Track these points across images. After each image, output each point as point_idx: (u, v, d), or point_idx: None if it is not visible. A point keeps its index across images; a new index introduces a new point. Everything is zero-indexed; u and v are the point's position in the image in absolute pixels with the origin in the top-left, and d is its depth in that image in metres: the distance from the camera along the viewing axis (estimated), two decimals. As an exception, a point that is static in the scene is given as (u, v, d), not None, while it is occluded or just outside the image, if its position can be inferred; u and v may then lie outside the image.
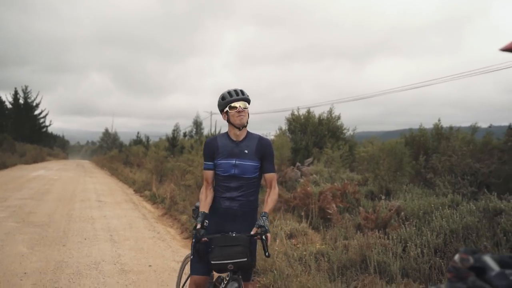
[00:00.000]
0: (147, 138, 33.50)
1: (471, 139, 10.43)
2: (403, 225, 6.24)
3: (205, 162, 3.18)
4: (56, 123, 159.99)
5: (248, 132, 3.19)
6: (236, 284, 2.86)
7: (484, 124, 12.07)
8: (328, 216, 7.72)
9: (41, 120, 55.51)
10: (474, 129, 11.48)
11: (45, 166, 31.84)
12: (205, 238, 2.83)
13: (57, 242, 7.31)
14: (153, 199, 13.19)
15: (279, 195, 9.56)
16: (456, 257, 1.21)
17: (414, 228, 5.98)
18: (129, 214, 10.84)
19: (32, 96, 53.24)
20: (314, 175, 12.11)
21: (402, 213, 6.73)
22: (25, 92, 52.54)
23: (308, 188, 9.01)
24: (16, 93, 51.92)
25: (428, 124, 14.28)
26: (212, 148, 3.14)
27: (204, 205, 3.07)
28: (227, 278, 2.89)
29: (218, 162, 3.11)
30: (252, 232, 2.88)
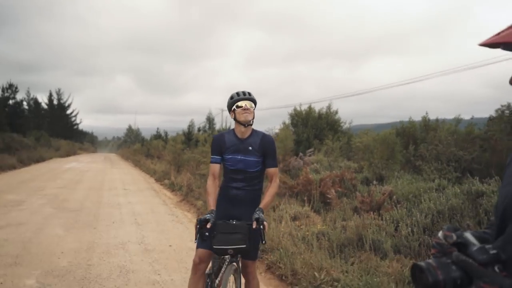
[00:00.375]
0: (166, 133, 33.57)
1: (455, 130, 10.33)
2: (395, 207, 6.22)
3: (212, 156, 3.15)
4: (85, 121, 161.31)
5: (253, 130, 3.17)
6: (234, 266, 2.92)
7: (466, 116, 12.02)
8: (328, 200, 7.72)
9: (73, 119, 55.87)
10: (457, 120, 11.38)
11: (76, 159, 32.09)
12: (209, 224, 2.83)
13: (89, 225, 7.39)
14: (172, 187, 13.26)
15: (284, 182, 9.59)
16: (440, 234, 1.21)
17: (405, 209, 5.96)
18: (151, 200, 10.91)
19: (65, 97, 53.57)
20: (315, 164, 12.09)
21: (394, 196, 6.71)
22: (58, 94, 52.86)
23: (310, 176, 9.00)
24: (50, 95, 52.25)
25: (417, 117, 14.18)
26: (220, 143, 3.13)
27: (213, 201, 3.03)
28: (227, 261, 2.92)
29: (226, 157, 3.12)
30: (253, 225, 2.86)
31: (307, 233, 5.74)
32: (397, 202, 6.53)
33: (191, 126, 31.52)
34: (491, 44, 1.19)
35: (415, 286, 1.14)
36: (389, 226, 5.45)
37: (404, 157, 11.01)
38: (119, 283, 4.47)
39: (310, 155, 13.83)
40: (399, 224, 5.43)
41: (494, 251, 1.09)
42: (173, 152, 19.15)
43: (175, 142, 23.83)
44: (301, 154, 13.15)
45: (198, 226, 2.82)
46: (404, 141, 12.51)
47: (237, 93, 3.12)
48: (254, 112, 3.11)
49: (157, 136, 39.21)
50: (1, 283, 4.36)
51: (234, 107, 3.08)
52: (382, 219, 5.81)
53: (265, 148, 3.08)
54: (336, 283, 4.02)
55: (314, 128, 18.30)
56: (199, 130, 33.15)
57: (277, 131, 19.42)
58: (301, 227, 6.19)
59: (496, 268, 1.07)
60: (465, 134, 9.73)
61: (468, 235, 1.15)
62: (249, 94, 3.11)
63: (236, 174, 3.10)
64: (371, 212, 6.13)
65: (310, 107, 19.81)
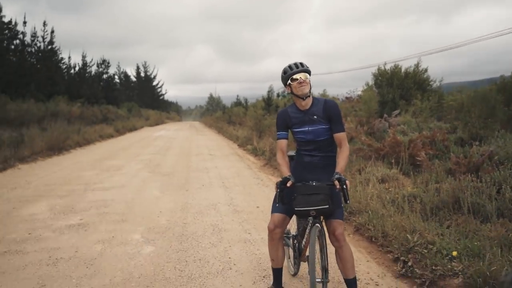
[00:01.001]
0: (246, 100, 34.17)
1: None
2: (496, 169, 5.72)
3: (278, 132, 3.11)
4: (170, 92, 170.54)
5: (313, 99, 3.08)
6: (319, 227, 2.91)
7: None
8: (418, 163, 7.34)
9: (159, 90, 59.38)
10: None
11: (164, 128, 34.29)
12: (290, 182, 2.84)
13: (181, 187, 7.94)
14: (255, 152, 13.61)
15: (370, 145, 9.30)
16: None
17: (510, 171, 5.46)
18: (236, 165, 11.34)
19: (150, 69, 56.88)
20: (402, 126, 11.48)
21: (496, 157, 6.16)
22: (145, 66, 56.28)
23: (398, 137, 8.60)
24: (138, 68, 55.84)
25: None
26: (285, 118, 3.09)
27: (286, 168, 3.01)
28: (310, 223, 2.90)
29: (294, 130, 3.09)
30: (336, 185, 2.82)
31: (396, 195, 5.55)
32: (499, 163, 6.00)
33: (270, 91, 31.66)
34: None
35: None
36: (490, 189, 5.04)
37: (506, 115, 9.96)
38: (213, 240, 4.79)
39: (396, 117, 13.16)
40: (502, 187, 5.00)
41: None
42: (254, 118, 19.50)
43: (256, 108, 24.19)
44: (385, 115, 12.56)
45: (278, 190, 2.86)
46: (506, 97, 11.27)
47: (290, 67, 3.03)
48: (310, 82, 3.02)
49: (238, 103, 40.09)
50: (113, 236, 4.93)
51: (289, 81, 3.01)
52: (481, 181, 5.39)
53: (329, 114, 3.00)
54: (431, 246, 3.87)
55: (400, 88, 17.26)
56: (278, 95, 33.18)
57: (359, 92, 18.72)
58: (390, 189, 6.00)
59: None
60: None
61: None
62: (302, 65, 3.01)
63: (307, 145, 3.08)
64: (468, 174, 5.71)
65: (396, 66, 18.66)
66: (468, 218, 4.50)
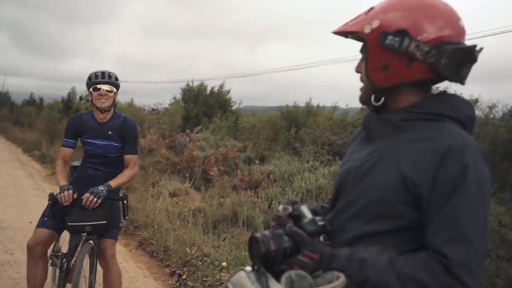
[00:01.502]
0: (41, 99, 30.25)
1: (332, 116, 11.27)
2: (271, 186, 6.57)
3: (65, 139, 2.85)
4: None
5: (114, 113, 2.91)
6: (91, 244, 2.69)
7: (342, 105, 13.17)
8: (209, 177, 7.81)
9: None
10: (334, 108, 12.46)
11: None
12: (68, 195, 2.60)
13: None
14: (42, 159, 12.06)
15: (168, 158, 9.41)
16: (280, 207, 1.29)
17: (280, 188, 6.34)
18: (14, 173, 9.79)
19: None
20: (202, 142, 12.10)
21: (271, 175, 7.07)
22: None
23: (194, 153, 8.98)
24: None
25: (303, 102, 15.03)
26: (77, 125, 2.85)
27: (63, 179, 2.75)
28: (83, 239, 2.67)
29: (85, 140, 2.86)
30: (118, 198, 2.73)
31: (184, 209, 5.74)
32: (273, 181, 6.90)
33: (72, 93, 28.83)
34: (341, 32, 1.25)
35: (250, 256, 1.21)
36: (263, 203, 5.73)
37: (286, 140, 11.66)
38: (-40, 264, 3.94)
39: (198, 132, 13.80)
40: (273, 202, 5.75)
41: (322, 223, 1.20)
42: (47, 120, 17.37)
43: (51, 110, 21.64)
44: (188, 130, 13.03)
45: (50, 202, 2.57)
46: (288, 124, 13.24)
47: (96, 74, 2.81)
48: (115, 96, 2.85)
49: (31, 102, 35.11)
50: None
51: (91, 89, 2.80)
52: (258, 197, 6.08)
53: (124, 134, 2.86)
54: (206, 258, 4.11)
55: (204, 105, 18.27)
56: (81, 98, 30.55)
57: (167, 105, 18.93)
58: (179, 203, 6.17)
59: (321, 238, 1.18)
60: (339, 121, 10.68)
61: (303, 208, 1.25)
62: (110, 76, 2.82)
63: (95, 158, 2.89)
64: (249, 190, 6.37)
65: (202, 84, 19.68)
66: (242, 230, 4.98)
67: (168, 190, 6.80)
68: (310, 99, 14.31)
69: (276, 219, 1.28)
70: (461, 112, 1.17)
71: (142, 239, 4.94)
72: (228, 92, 19.52)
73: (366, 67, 1.19)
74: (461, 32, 1.15)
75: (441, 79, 1.18)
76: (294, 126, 12.28)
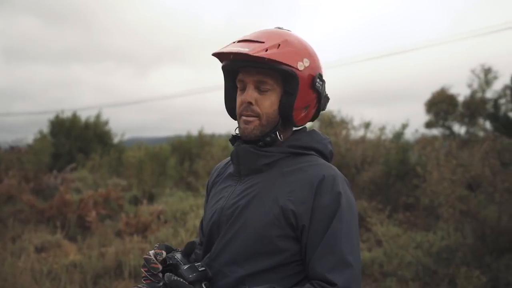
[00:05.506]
0: None
1: (226, 145, 11.51)
2: (162, 228, 6.39)
3: None
4: None
5: None
6: None
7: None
8: (87, 224, 7.32)
9: None
10: (228, 136, 12.73)
11: None
12: None
13: None
14: None
15: (33, 206, 8.60)
16: (151, 252, 1.27)
17: (172, 229, 6.19)
18: None
19: None
20: (77, 182, 11.35)
21: (161, 216, 6.90)
22: None
23: (67, 196, 8.36)
24: None
25: (206, 131, 15.03)
26: None
27: None
28: None
29: None
30: None
31: (55, 266, 5.27)
32: (164, 222, 6.73)
33: None
34: (259, 58, 1.25)
35: None
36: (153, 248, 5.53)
37: (178, 173, 11.53)
38: None
39: (71, 171, 12.91)
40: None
41: (202, 269, 1.22)
42: None
43: None
44: (55, 171, 12.08)
45: None
46: (180, 156, 13.14)
47: None
48: None
49: None
50: None
51: None
52: (147, 242, 5.86)
53: None
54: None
55: (79, 139, 17.25)
56: None
57: (30, 142, 17.41)
58: (48, 259, 5.64)
59: (203, 285, 1.20)
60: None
61: (179, 256, 1.25)
62: None
63: None
64: (136, 235, 6.11)
65: (74, 115, 18.59)
66: (129, 283, 4.73)
67: (33, 245, 6.19)
68: (202, 127, 14.49)
69: (146, 264, 1.26)
70: (326, 147, 1.36)
71: (-1, 310, 4.39)
72: (107, 123, 18.74)
73: (289, 105, 1.26)
74: None
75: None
76: (188, 159, 12.24)
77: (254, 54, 1.20)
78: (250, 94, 1.27)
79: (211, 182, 1.49)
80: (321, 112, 1.40)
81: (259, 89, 1.28)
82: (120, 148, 16.97)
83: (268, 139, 1.28)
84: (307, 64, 1.26)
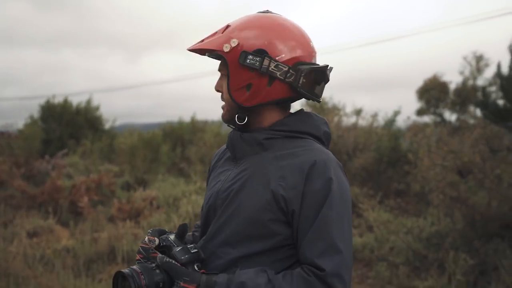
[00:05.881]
0: None
1: (218, 132, 11.51)
2: (154, 214, 6.41)
3: None
4: None
5: None
6: None
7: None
8: (79, 210, 7.31)
9: None
10: (221, 122, 12.71)
11: None
12: None
13: None
14: None
15: (24, 191, 8.56)
16: (146, 239, 1.28)
17: (164, 215, 6.21)
18: None
19: None
20: (68, 168, 11.30)
21: (154, 202, 6.91)
22: None
23: (58, 181, 8.33)
24: None
25: (198, 117, 14.95)
26: None
27: None
28: None
29: None
30: None
31: (47, 250, 5.28)
32: (157, 208, 6.75)
33: None
34: (197, 50, 1.31)
35: None
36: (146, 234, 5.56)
37: (171, 159, 11.52)
38: None
39: (63, 157, 12.83)
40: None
41: (195, 250, 1.22)
42: None
43: None
44: (47, 156, 12.01)
45: None
46: (172, 142, 13.10)
47: None
48: None
49: None
50: None
51: None
52: (140, 227, 5.88)
53: None
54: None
55: (70, 125, 17.11)
56: None
57: (21, 127, 17.24)
58: (41, 244, 5.64)
59: (195, 267, 1.20)
60: (226, 136, 10.95)
61: (172, 237, 1.26)
62: None
63: None
64: (128, 220, 6.13)
65: (66, 100, 18.41)
66: (122, 268, 4.75)
67: (25, 230, 6.18)
68: (195, 113, 14.44)
69: (142, 251, 1.28)
70: (320, 129, 1.34)
71: (-8, 294, 4.40)
72: (98, 108, 18.60)
73: (228, 86, 1.26)
74: (312, 53, 1.33)
75: (299, 98, 1.34)
76: (180, 145, 12.22)
77: (190, 48, 1.31)
78: (217, 81, 1.36)
79: (211, 166, 1.50)
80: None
81: (221, 76, 1.34)
82: (112, 134, 16.87)
83: (239, 122, 1.29)
84: (234, 44, 1.24)
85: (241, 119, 1.29)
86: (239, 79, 1.25)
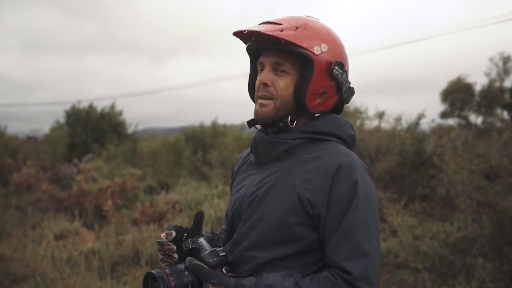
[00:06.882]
0: None
1: (240, 136, 11.54)
2: (177, 217, 6.45)
3: None
4: None
5: None
6: None
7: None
8: (104, 213, 7.43)
9: None
10: (242, 127, 12.79)
11: None
12: None
13: None
14: None
15: (52, 195, 8.74)
16: (162, 234, 1.31)
17: (187, 218, 6.25)
18: None
19: None
20: (93, 172, 11.50)
21: (177, 205, 6.96)
22: None
23: (84, 186, 8.49)
24: None
25: (219, 121, 15.02)
26: None
27: None
28: None
29: None
30: None
31: (74, 253, 5.37)
32: (180, 211, 6.80)
33: None
34: (263, 35, 1.23)
35: None
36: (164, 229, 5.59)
37: (192, 163, 11.60)
38: None
39: (88, 162, 13.08)
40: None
41: (223, 254, 1.24)
42: None
43: None
44: (75, 160, 12.28)
45: None
46: (194, 146, 13.21)
47: None
48: None
49: None
50: None
51: None
52: (163, 231, 5.92)
53: None
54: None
55: (95, 130, 17.43)
56: None
57: (47, 132, 17.66)
58: (68, 246, 5.75)
59: (224, 270, 1.22)
60: (248, 141, 10.98)
61: (202, 240, 1.28)
62: None
63: None
64: (152, 224, 6.18)
65: (91, 106, 18.77)
66: (146, 270, 4.79)
67: (53, 232, 6.31)
68: (216, 117, 14.52)
69: (160, 247, 1.31)
70: (346, 131, 1.33)
71: (21, 295, 4.50)
72: (121, 113, 18.89)
73: (306, 88, 1.24)
74: None
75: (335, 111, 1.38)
76: (201, 149, 12.29)
77: (266, 32, 1.20)
78: (266, 75, 1.27)
79: (235, 171, 1.50)
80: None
81: (276, 71, 1.27)
82: (134, 138, 17.10)
83: (281, 124, 1.27)
84: (324, 50, 1.24)
85: (292, 121, 1.28)
86: (319, 85, 1.25)
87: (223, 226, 1.52)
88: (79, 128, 17.17)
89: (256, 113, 1.30)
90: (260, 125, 1.33)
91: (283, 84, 1.25)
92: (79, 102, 18.66)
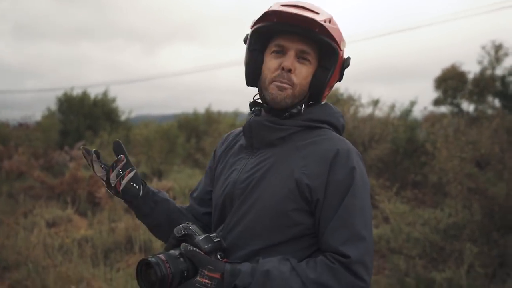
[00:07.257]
0: None
1: (234, 123, 11.52)
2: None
3: None
4: None
5: None
6: None
7: (245, 109, 13.44)
8: (97, 201, 7.41)
9: None
10: (236, 114, 12.78)
11: None
12: None
13: None
14: None
15: (43, 182, 8.69)
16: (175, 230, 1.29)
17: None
18: None
19: None
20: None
21: (171, 192, 6.96)
22: None
23: (78, 173, 8.45)
24: None
25: (213, 108, 14.99)
26: None
27: None
28: None
29: None
30: None
31: (66, 240, 5.36)
32: (174, 198, 6.80)
33: None
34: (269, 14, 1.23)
35: (139, 283, 1.17)
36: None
37: (186, 150, 11.58)
38: None
39: (79, 149, 13.04)
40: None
41: (218, 239, 1.23)
42: None
43: None
44: (66, 147, 12.19)
45: None
46: (187, 133, 13.18)
47: None
48: None
49: None
50: None
51: None
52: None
53: None
54: (96, 295, 3.88)
55: (88, 117, 17.32)
56: None
57: (39, 119, 17.52)
58: (60, 233, 5.73)
59: (218, 256, 1.21)
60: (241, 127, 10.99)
61: (194, 226, 1.26)
62: None
63: None
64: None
65: (84, 92, 18.60)
66: (139, 257, 4.80)
67: (45, 220, 6.29)
68: (210, 105, 14.48)
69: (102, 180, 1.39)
70: (338, 120, 1.36)
71: (14, 282, 4.50)
72: (114, 100, 18.75)
73: (325, 80, 1.27)
74: None
75: None
76: (195, 136, 12.26)
77: (322, 23, 1.20)
78: (292, 61, 1.24)
79: (219, 150, 1.48)
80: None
81: (298, 58, 1.26)
82: (128, 125, 17.01)
83: (295, 110, 1.27)
84: (344, 47, 1.29)
85: (297, 108, 1.29)
86: (335, 78, 1.31)
87: (185, 206, 1.52)
88: (71, 115, 17.04)
89: (272, 96, 1.25)
90: (270, 109, 1.30)
91: (305, 73, 1.26)
92: (72, 88, 18.51)
